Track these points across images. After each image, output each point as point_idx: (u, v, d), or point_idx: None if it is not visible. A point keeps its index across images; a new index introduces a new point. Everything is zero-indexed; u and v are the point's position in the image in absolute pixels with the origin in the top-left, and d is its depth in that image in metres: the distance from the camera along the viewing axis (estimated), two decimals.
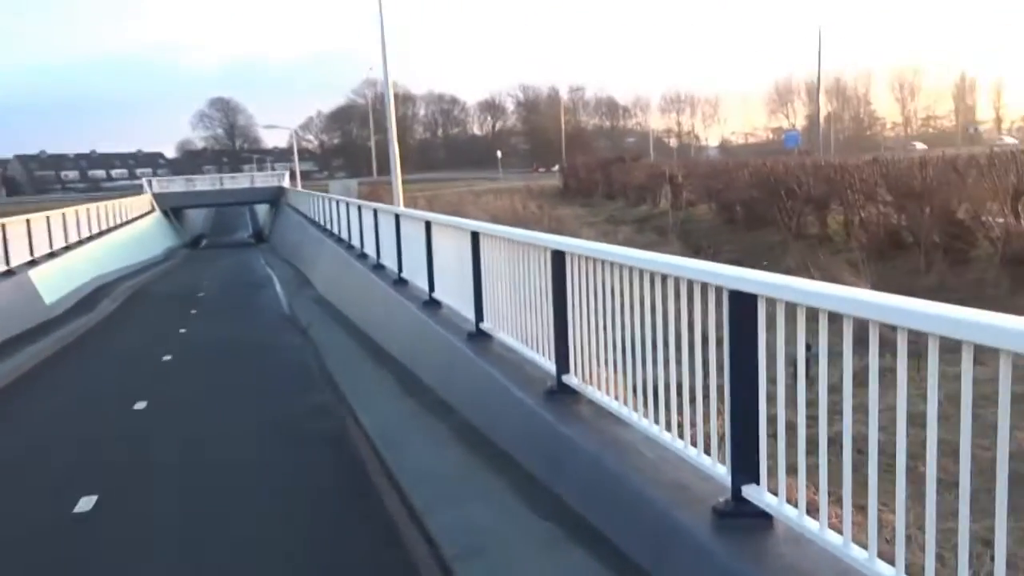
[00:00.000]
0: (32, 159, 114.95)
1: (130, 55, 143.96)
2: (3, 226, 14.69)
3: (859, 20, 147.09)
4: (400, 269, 10.83)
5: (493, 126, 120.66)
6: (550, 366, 5.39)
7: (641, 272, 4.10)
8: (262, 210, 50.63)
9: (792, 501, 3.19)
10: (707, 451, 3.67)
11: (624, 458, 4.16)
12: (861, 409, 2.67)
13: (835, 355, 2.71)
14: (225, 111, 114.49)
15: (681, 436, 3.86)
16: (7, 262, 14.52)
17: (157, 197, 43.70)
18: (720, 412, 3.59)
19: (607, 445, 4.37)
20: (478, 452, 5.43)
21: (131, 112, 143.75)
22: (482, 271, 6.98)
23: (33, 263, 16.14)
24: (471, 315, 7.28)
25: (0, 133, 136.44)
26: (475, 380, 6.46)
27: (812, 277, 10.83)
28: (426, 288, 9.12)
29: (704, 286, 3.55)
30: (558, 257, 5.12)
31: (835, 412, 2.83)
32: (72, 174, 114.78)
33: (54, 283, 16.43)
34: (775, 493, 3.23)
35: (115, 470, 6.28)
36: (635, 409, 4.33)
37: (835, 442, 2.88)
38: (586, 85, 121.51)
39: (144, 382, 9.52)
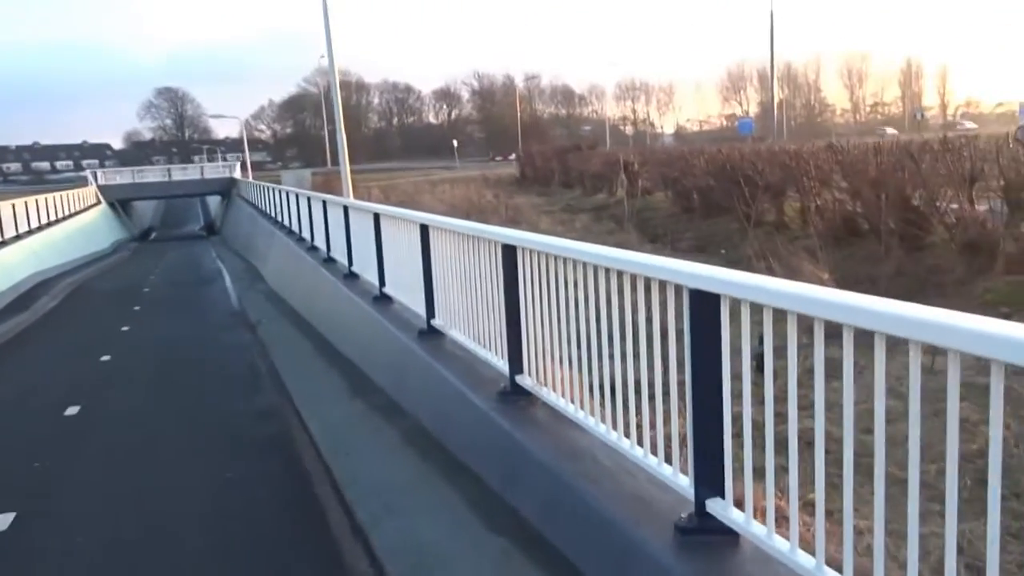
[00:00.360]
0: None
1: (70, 41, 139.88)
2: None
3: (807, 5, 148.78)
4: (350, 263, 10.46)
5: (449, 115, 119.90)
6: (503, 366, 5.12)
7: (596, 268, 3.85)
8: (214, 202, 49.56)
9: (760, 513, 2.96)
10: (668, 460, 3.43)
11: (582, 468, 3.90)
12: (834, 409, 2.46)
13: (805, 353, 2.49)
14: (173, 101, 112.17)
15: (641, 443, 3.62)
16: None
17: (103, 189, 42.45)
18: (683, 414, 3.36)
19: (564, 454, 4.11)
20: (430, 459, 5.14)
21: (75, 102, 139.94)
22: (432, 265, 6.67)
23: None
24: (422, 311, 6.97)
25: None
26: (427, 381, 6.16)
27: (770, 265, 10.62)
28: (377, 283, 8.79)
29: (663, 283, 3.31)
30: (509, 251, 4.84)
31: (806, 417, 2.61)
32: (14, 166, 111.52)
33: None
34: (741, 507, 3.01)
35: (35, 483, 5.85)
36: (592, 413, 4.08)
37: (806, 448, 2.67)
38: (541, 73, 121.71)
39: (79, 385, 9.03)
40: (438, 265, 6.54)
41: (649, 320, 3.42)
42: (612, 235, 18.70)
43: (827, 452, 2.55)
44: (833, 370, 2.44)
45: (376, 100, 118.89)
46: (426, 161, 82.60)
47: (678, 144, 64.77)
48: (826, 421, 2.54)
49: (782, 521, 2.95)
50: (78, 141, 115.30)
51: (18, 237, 20.69)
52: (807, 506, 2.87)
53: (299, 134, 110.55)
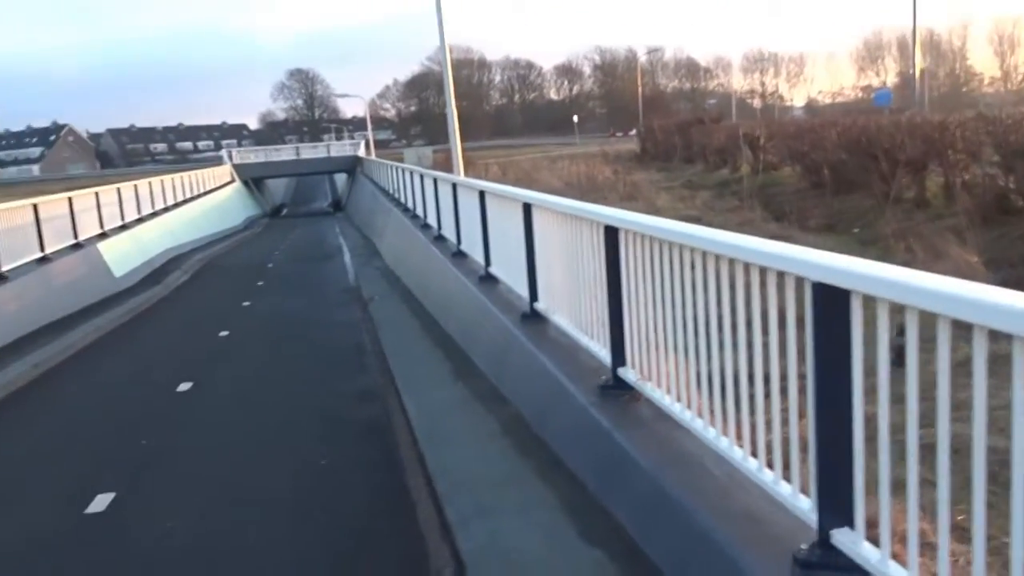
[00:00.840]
0: (123, 132, 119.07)
1: (211, 27, 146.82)
2: (70, 200, 14.72)
3: None
4: (459, 241, 10.28)
5: (570, 91, 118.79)
6: (605, 356, 4.74)
7: (704, 253, 3.40)
8: (341, 179, 50.91)
9: (899, 541, 2.49)
10: (787, 476, 2.98)
11: (687, 477, 3.50)
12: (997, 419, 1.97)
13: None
14: (304, 82, 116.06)
15: (755, 454, 3.18)
16: (75, 235, 14.57)
17: (237, 168, 44.26)
18: (803, 414, 2.91)
19: (667, 458, 3.71)
20: (527, 454, 4.84)
21: (215, 86, 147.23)
22: (535, 246, 6.34)
23: (103, 236, 16.22)
24: (525, 293, 6.67)
25: (94, 108, 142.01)
26: (528, 368, 5.86)
27: (910, 246, 9.71)
28: (483, 262, 8.55)
29: (781, 274, 2.84)
30: (611, 234, 4.44)
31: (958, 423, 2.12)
32: (161, 147, 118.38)
33: (124, 256, 16.50)
34: (875, 538, 2.54)
35: (138, 462, 5.92)
36: (700, 415, 3.65)
37: (960, 474, 2.17)
38: (664, 46, 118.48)
39: (196, 360, 9.24)
40: (541, 246, 6.20)
41: (765, 313, 2.97)
42: (734, 212, 17.83)
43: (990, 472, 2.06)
44: (997, 368, 1.95)
45: (498, 77, 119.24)
46: (546, 137, 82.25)
47: (808, 117, 61.70)
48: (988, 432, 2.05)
49: (927, 550, 2.46)
50: (218, 122, 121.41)
51: (155, 214, 21.72)
52: (963, 536, 2.38)
53: (422, 112, 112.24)
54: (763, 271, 2.97)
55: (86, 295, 13.31)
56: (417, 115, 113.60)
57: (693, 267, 3.49)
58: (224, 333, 10.87)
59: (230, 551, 4.31)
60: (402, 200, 19.00)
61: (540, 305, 6.36)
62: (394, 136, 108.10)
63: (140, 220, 19.88)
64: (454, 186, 10.43)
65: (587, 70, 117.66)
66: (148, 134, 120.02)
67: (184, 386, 7.90)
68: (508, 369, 6.44)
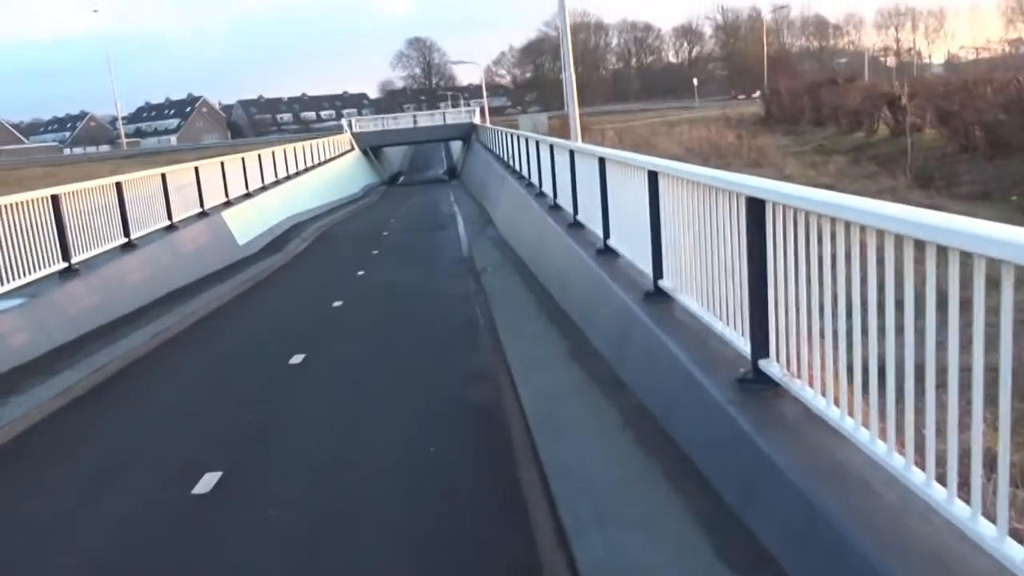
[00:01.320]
0: (252, 103, 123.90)
1: (321, 3, 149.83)
2: (196, 169, 15.06)
3: None
4: (575, 211, 9.79)
5: (689, 53, 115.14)
6: (743, 345, 4.19)
7: (882, 234, 2.80)
8: (456, 147, 51.04)
9: None
10: (985, 511, 2.40)
11: (845, 496, 2.95)
12: None
13: None
14: (422, 50, 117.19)
15: (943, 481, 2.58)
16: (201, 204, 14.91)
17: (356, 136, 45.00)
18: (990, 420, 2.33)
19: (820, 471, 3.17)
20: (652, 452, 4.37)
21: (338, 56, 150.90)
22: (661, 218, 5.79)
23: (228, 204, 16.59)
24: (648, 270, 6.14)
25: (226, 81, 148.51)
26: (652, 353, 5.35)
27: None
28: (601, 234, 8.05)
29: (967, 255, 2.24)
30: (755, 206, 3.86)
31: None
32: (286, 116, 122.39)
33: (247, 224, 16.84)
34: None
35: (245, 440, 5.79)
36: (865, 424, 3.08)
37: None
38: (790, 3, 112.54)
39: (307, 333, 9.17)
40: (668, 217, 5.65)
41: (942, 307, 2.38)
42: (873, 180, 16.54)
43: None
44: None
45: (614, 41, 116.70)
46: (664, 102, 80.00)
47: (949, 75, 57.40)
48: None
49: None
50: (339, 92, 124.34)
51: (277, 183, 22.18)
52: None
53: (538, 78, 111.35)
54: (943, 251, 2.38)
55: (210, 262, 13.60)
56: (532, 81, 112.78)
57: (864, 250, 2.90)
58: (337, 303, 10.81)
59: (333, 539, 4.05)
60: (516, 168, 18.62)
61: (665, 283, 5.82)
62: (509, 103, 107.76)
63: (263, 188, 20.30)
64: (571, 153, 9.91)
65: (708, 31, 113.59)
66: (274, 104, 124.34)
67: (296, 358, 7.79)
68: (629, 352, 5.95)
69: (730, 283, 4.35)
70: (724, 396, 4.03)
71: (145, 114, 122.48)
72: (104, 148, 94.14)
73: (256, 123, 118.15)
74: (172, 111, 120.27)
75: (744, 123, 37.81)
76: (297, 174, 25.54)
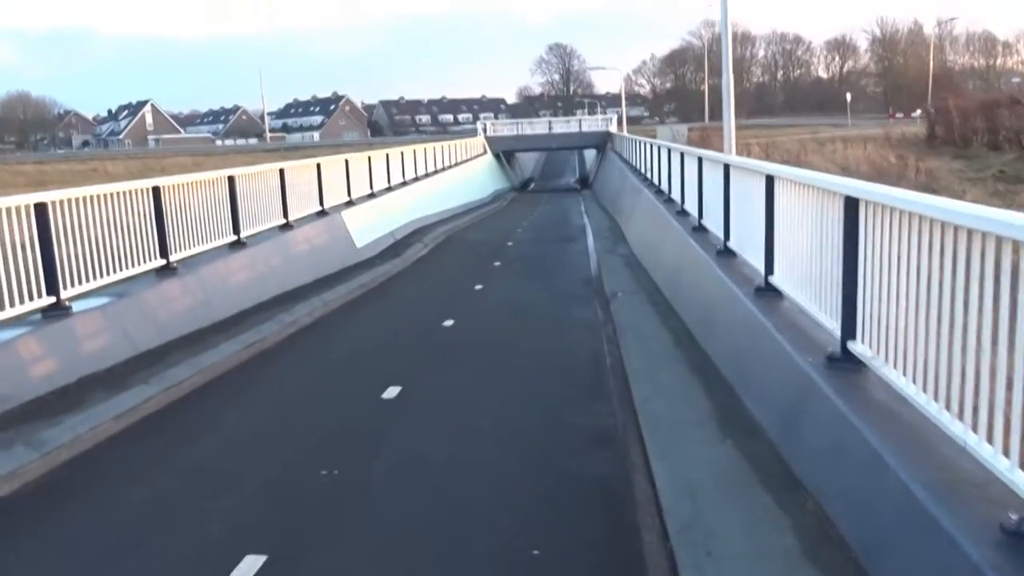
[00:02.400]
0: (393, 104, 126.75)
1: (474, 7, 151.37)
2: (318, 166, 14.44)
3: None
4: (726, 236, 8.33)
5: (841, 67, 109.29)
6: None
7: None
8: (589, 156, 49.78)
9: None
10: None
11: None
12: None
13: None
14: (561, 56, 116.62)
15: None
16: (321, 202, 14.28)
17: (490, 140, 44.47)
18: None
19: None
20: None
21: (479, 61, 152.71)
22: (860, 260, 4.34)
23: (350, 204, 15.95)
24: (834, 324, 4.70)
25: (368, 81, 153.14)
26: (842, 448, 3.92)
27: None
28: (761, 268, 6.59)
29: None
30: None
31: None
32: (425, 118, 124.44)
33: (367, 226, 16.14)
34: None
35: (305, 512, 4.66)
36: None
37: None
38: (957, 16, 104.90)
39: (409, 358, 8.12)
40: (870, 262, 4.19)
41: None
42: None
43: None
44: None
45: (761, 52, 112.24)
46: (811, 117, 75.95)
47: None
48: None
49: None
50: (478, 95, 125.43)
51: (404, 184, 21.56)
52: None
53: (678, 88, 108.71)
54: None
55: (324, 265, 12.89)
56: (672, 92, 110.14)
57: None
58: (448, 323, 9.75)
59: None
60: (655, 181, 17.16)
61: (859, 348, 4.37)
62: (646, 113, 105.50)
63: (389, 189, 19.67)
64: (726, 168, 8.46)
65: (863, 44, 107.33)
66: (414, 106, 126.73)
67: (391, 392, 6.73)
68: (805, 435, 4.51)
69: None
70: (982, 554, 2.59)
71: (292, 110, 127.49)
72: (252, 141, 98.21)
73: (396, 123, 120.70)
74: (317, 108, 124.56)
75: (905, 143, 34.67)
76: (426, 175, 24.93)
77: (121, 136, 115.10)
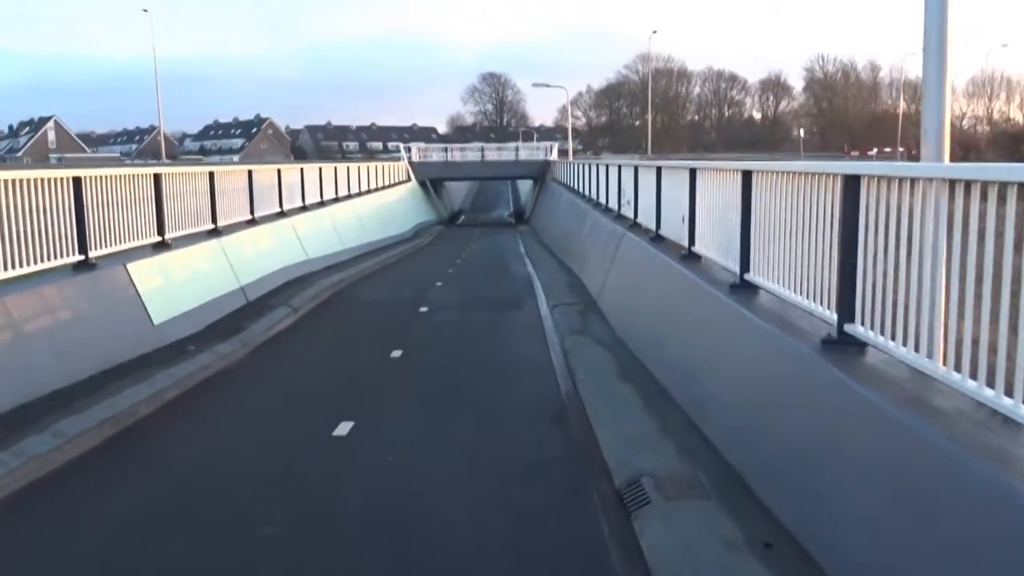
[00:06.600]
0: (319, 129, 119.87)
1: (403, 36, 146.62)
2: (75, 180, 8.31)
3: None
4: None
5: (775, 106, 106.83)
6: None
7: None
8: (525, 187, 44.53)
9: None
10: None
11: None
12: None
13: None
14: (495, 86, 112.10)
15: None
16: (83, 247, 8.15)
17: (415, 166, 38.70)
18: None
19: None
20: None
21: (409, 90, 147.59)
22: None
23: (162, 245, 9.85)
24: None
25: (296, 106, 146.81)
26: None
27: None
28: None
29: None
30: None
31: None
32: (353, 144, 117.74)
33: (190, 281, 10.06)
34: None
35: None
36: None
37: None
38: (902, 65, 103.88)
39: None
40: None
41: None
42: None
43: None
44: None
45: (697, 89, 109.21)
46: (757, 154, 72.63)
47: None
48: None
49: None
50: (408, 124, 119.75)
51: (282, 214, 15.47)
52: None
53: (612, 122, 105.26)
54: None
55: (58, 369, 6.78)
56: (606, 125, 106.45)
57: None
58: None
59: None
60: (637, 219, 11.52)
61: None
62: (580, 146, 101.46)
63: (252, 223, 13.57)
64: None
65: (797, 85, 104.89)
66: (342, 132, 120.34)
67: None
68: None
69: None
70: None
71: (212, 132, 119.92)
72: (166, 162, 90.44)
73: (322, 149, 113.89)
74: (238, 131, 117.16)
75: None
76: (320, 204, 18.86)
77: (20, 154, 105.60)
